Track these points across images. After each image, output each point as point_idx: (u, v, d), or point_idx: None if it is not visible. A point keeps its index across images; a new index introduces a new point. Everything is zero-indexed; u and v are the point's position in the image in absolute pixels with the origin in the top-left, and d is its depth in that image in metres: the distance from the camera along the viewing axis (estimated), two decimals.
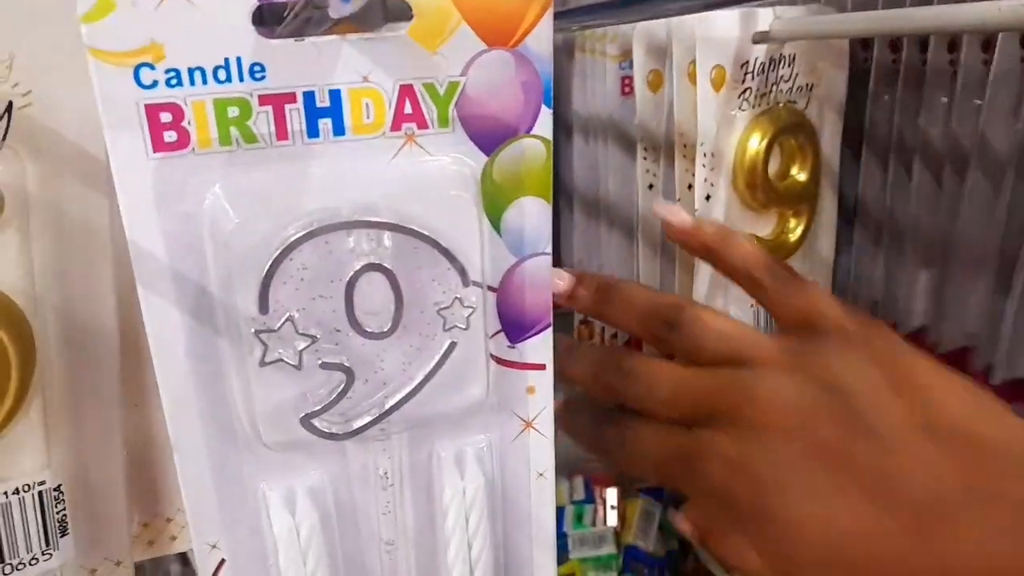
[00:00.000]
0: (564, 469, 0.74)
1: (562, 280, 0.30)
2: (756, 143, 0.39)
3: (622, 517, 0.69)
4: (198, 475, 0.25)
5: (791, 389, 0.25)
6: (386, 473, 0.27)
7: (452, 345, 0.25)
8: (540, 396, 0.28)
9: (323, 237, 0.23)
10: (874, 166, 0.43)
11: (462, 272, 0.24)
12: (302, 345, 0.24)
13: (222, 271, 0.23)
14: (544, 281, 0.26)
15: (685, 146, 0.41)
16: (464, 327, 0.25)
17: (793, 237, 0.43)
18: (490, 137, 0.24)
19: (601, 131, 0.51)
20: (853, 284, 0.46)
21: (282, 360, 0.24)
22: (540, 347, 0.27)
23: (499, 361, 0.27)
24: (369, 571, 0.28)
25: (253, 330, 0.23)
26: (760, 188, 0.39)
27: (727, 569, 0.30)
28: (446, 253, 0.24)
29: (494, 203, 0.25)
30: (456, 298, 0.24)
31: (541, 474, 0.29)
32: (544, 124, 0.25)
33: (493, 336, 0.27)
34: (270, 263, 0.22)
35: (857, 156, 0.44)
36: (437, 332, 0.25)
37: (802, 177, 0.41)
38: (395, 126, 0.23)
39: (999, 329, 0.38)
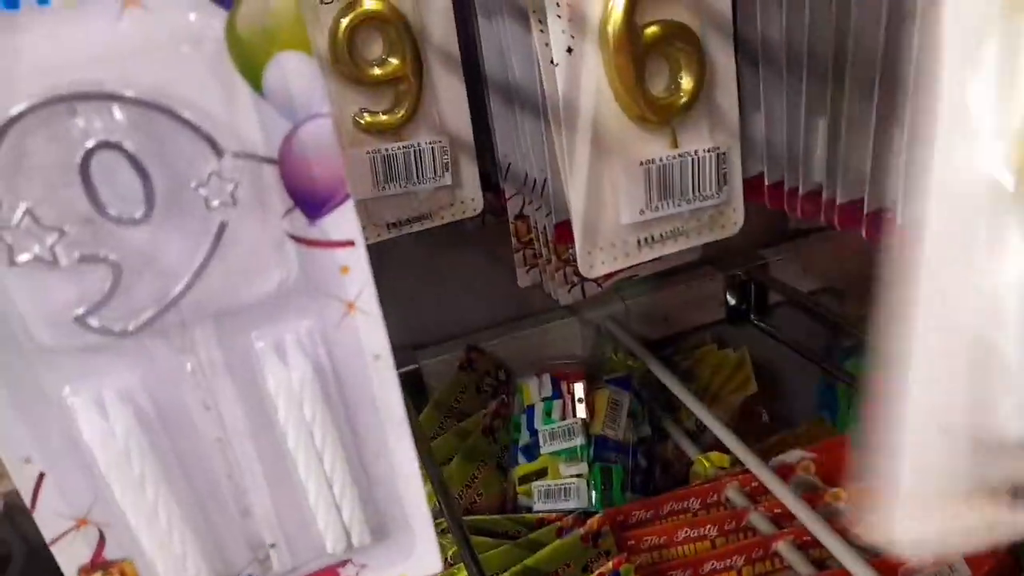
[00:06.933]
0: (531, 368, 0.73)
1: None
2: None
3: (591, 409, 0.68)
4: None
5: None
6: (193, 369, 0.25)
7: (223, 225, 0.23)
8: (356, 275, 0.26)
9: (40, 117, 0.21)
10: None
11: (211, 142, 0.22)
12: (50, 239, 0.22)
13: None
14: (329, 147, 0.24)
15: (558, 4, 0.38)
16: (231, 203, 0.23)
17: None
18: None
19: (498, 5, 0.48)
20: (765, 145, 0.43)
21: (38, 258, 0.22)
22: (344, 222, 0.25)
23: (300, 241, 0.25)
24: (211, 467, 0.27)
25: None
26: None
27: None
28: (185, 122, 0.22)
29: (248, 62, 0.23)
30: (211, 173, 0.23)
31: (377, 356, 0.28)
32: None
33: (287, 214, 0.25)
34: None
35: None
36: (203, 212, 0.23)
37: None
38: None
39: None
